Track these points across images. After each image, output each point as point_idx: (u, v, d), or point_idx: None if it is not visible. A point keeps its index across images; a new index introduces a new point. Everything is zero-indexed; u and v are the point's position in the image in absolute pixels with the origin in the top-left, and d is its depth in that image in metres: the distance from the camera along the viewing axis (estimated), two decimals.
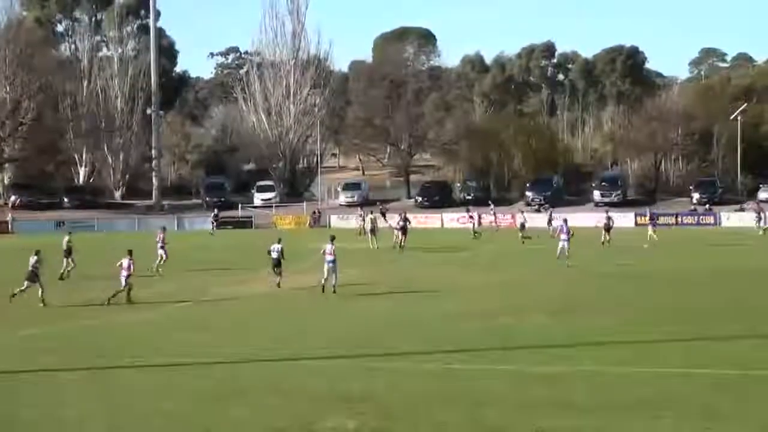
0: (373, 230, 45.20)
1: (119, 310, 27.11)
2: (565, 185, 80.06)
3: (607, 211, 50.30)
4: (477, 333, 22.17)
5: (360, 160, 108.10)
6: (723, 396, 15.66)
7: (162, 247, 36.38)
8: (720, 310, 25.34)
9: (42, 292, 27.52)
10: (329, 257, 28.79)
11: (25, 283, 27.62)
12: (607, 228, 45.71)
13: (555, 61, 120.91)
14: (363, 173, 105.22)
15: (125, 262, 28.05)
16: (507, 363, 18.60)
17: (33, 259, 27.73)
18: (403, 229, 45.23)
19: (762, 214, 52.87)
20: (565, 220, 37.66)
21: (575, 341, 20.70)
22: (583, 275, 34.03)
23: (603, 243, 44.84)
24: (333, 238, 29.47)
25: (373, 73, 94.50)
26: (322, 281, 29.09)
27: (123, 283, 27.87)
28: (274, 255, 30.88)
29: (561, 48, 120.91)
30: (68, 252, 34.99)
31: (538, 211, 68.83)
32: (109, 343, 21.58)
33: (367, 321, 24.43)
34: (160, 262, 36.25)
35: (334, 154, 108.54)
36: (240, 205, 76.37)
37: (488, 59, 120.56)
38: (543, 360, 18.81)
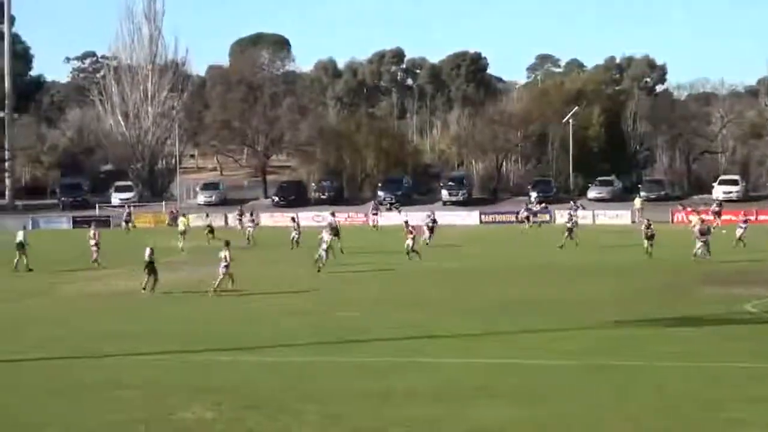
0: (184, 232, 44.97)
1: None
2: (415, 185, 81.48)
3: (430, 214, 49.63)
4: (314, 328, 22.37)
5: (218, 161, 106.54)
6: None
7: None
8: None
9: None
10: (223, 263, 28.50)
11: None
12: (430, 228, 46.08)
13: (404, 66, 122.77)
14: (221, 174, 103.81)
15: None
16: (348, 355, 18.93)
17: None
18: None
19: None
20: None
21: (404, 333, 21.24)
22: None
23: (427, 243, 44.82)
24: (227, 243, 28.97)
25: (230, 77, 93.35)
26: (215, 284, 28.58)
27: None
28: (146, 257, 29.74)
29: (410, 54, 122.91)
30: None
31: (389, 210, 69.73)
32: None
33: (217, 318, 24.36)
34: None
35: (192, 156, 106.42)
36: (98, 205, 74.08)
37: (341, 64, 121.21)
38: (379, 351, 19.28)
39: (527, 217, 57.09)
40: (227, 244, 29.07)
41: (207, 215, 51.63)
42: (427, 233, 45.57)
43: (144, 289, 28.74)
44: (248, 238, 47.23)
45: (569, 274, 33.79)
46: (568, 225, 45.13)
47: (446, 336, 21.19)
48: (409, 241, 37.89)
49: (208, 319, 24.42)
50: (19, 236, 36.15)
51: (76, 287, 31.54)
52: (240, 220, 54.99)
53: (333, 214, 52.59)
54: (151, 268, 28.84)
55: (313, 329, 22.36)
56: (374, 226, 56.71)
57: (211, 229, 48.04)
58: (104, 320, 24.67)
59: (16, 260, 35.79)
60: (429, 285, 31.23)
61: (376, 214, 58.29)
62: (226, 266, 28.41)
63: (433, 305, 26.21)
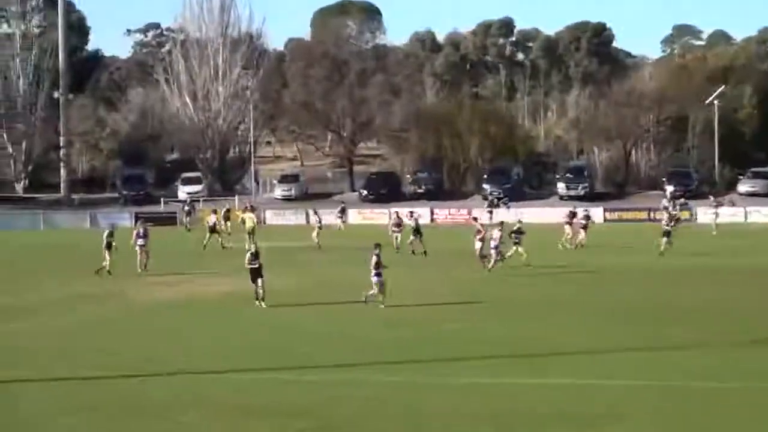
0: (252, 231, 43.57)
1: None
2: (527, 177, 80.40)
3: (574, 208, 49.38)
4: (416, 342, 22.16)
5: (298, 149, 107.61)
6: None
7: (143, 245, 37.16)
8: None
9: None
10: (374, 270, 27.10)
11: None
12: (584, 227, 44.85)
13: (514, 39, 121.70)
14: (301, 164, 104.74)
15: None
16: (459, 375, 18.53)
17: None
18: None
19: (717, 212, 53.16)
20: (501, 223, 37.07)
21: (528, 350, 20.72)
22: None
23: (577, 245, 43.85)
24: (378, 246, 27.47)
25: (312, 51, 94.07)
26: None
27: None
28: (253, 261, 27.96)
29: (520, 25, 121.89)
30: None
31: (496, 205, 68.97)
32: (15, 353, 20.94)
33: (296, 332, 24.15)
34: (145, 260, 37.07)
35: (269, 143, 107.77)
36: (162, 200, 75.52)
37: (440, 37, 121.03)
38: (496, 371, 18.93)
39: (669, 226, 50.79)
40: (378, 246, 27.34)
41: (248, 207, 49.95)
42: (582, 234, 44.44)
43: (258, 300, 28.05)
44: (318, 244, 46.02)
45: (715, 277, 32.84)
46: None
47: (573, 353, 20.54)
48: (478, 244, 35.10)
49: (303, 330, 24.25)
50: (107, 235, 36.41)
51: (149, 292, 31.80)
52: (340, 217, 55.82)
53: (411, 214, 53.02)
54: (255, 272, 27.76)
55: (413, 342, 22.05)
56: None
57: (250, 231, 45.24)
58: (200, 331, 24.66)
59: (105, 264, 35.89)
60: (544, 291, 30.52)
61: (490, 211, 56.48)
62: (378, 274, 26.93)
63: (553, 314, 25.71)
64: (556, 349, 21.03)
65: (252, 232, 43.48)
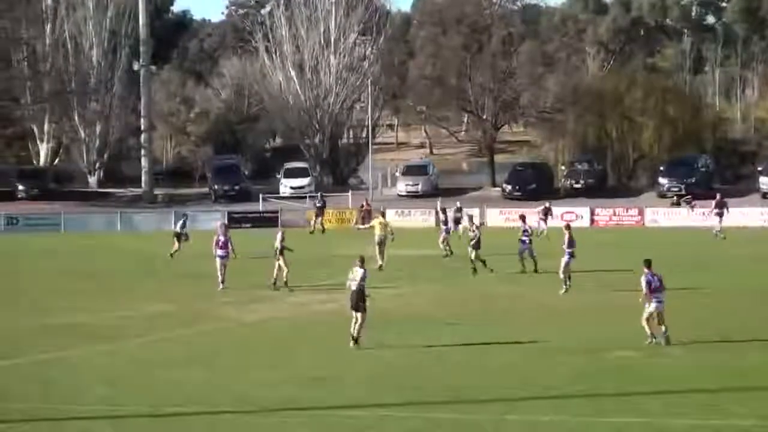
0: (381, 242, 42.66)
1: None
2: (718, 169, 78.92)
3: None
4: (587, 372, 22.51)
5: (427, 134, 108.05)
6: None
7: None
8: None
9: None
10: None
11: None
12: None
13: None
14: (431, 152, 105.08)
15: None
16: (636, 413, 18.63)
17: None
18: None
19: None
20: (568, 226, 36.58)
21: (720, 384, 20.70)
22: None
23: None
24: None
25: (446, 14, 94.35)
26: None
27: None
28: (353, 286, 25.82)
29: None
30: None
31: (677, 204, 68.08)
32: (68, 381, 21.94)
33: (435, 361, 24.56)
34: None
35: (390, 126, 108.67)
36: (262, 196, 76.93)
37: None
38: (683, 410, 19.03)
39: None
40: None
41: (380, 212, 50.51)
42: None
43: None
44: (447, 250, 46.84)
45: None
46: None
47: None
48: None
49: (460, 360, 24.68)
50: (278, 240, 37.00)
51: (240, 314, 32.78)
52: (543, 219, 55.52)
53: (460, 210, 53.96)
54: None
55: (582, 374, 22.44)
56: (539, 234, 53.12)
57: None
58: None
59: (283, 272, 36.55)
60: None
61: (544, 218, 55.14)
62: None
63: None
64: None
65: (381, 244, 42.47)
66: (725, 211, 55.71)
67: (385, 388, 21.22)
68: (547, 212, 56.28)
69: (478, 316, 30.74)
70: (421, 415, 19.20)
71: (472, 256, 39.54)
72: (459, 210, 54.74)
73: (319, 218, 65.28)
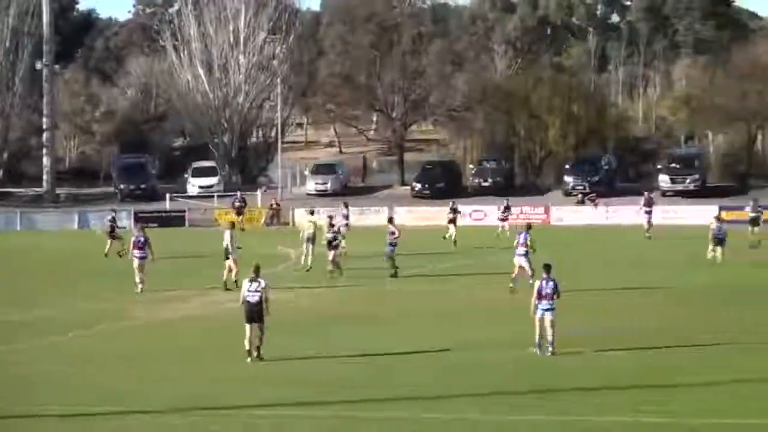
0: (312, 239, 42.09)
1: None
2: (620, 167, 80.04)
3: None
4: (504, 370, 22.69)
5: (336, 132, 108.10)
6: None
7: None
8: None
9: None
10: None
11: None
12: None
13: None
14: (340, 151, 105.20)
15: None
16: (553, 411, 18.93)
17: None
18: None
19: None
20: (529, 226, 36.66)
21: (633, 382, 21.08)
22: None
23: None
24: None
25: (355, 12, 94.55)
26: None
27: None
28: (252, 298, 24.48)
29: None
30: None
31: (582, 202, 69.00)
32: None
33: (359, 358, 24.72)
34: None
35: (300, 125, 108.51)
36: (168, 196, 76.39)
37: None
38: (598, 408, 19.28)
39: None
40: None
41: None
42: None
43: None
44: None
45: None
46: None
47: (703, 383, 20.98)
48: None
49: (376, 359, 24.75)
50: (226, 240, 36.68)
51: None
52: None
53: (346, 206, 54.11)
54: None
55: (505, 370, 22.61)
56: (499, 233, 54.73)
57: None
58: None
59: (233, 272, 36.08)
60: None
61: (505, 218, 56.52)
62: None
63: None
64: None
65: (312, 240, 41.77)
66: (653, 209, 56.16)
67: (298, 387, 21.26)
68: (507, 210, 56.42)
69: (393, 315, 30.88)
70: (338, 413, 19.30)
71: (329, 256, 39.26)
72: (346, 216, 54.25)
73: (241, 217, 64.94)
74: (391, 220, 41.35)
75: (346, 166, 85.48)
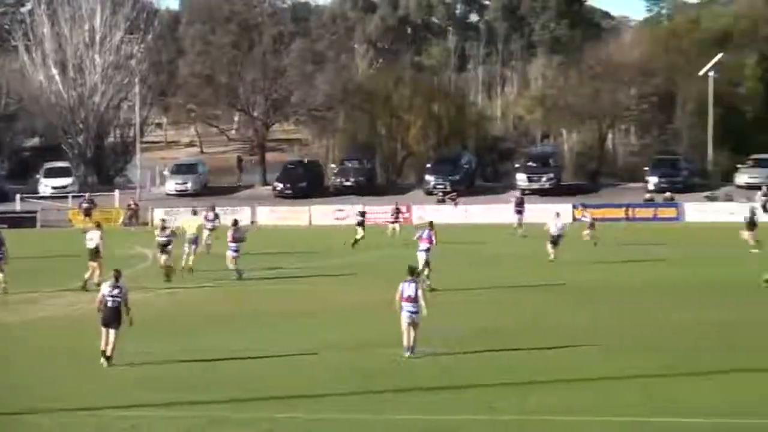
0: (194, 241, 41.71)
1: None
2: (480, 166, 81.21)
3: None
4: (364, 370, 22.77)
5: (197, 132, 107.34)
6: None
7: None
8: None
9: None
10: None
11: None
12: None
13: None
14: (202, 151, 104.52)
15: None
16: (411, 410, 19.09)
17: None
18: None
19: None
20: (431, 223, 37.18)
21: (488, 381, 21.42)
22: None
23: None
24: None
25: (215, 12, 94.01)
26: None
27: None
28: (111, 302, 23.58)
29: None
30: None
31: (442, 201, 69.71)
32: None
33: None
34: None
35: (159, 125, 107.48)
36: (19, 196, 74.99)
37: None
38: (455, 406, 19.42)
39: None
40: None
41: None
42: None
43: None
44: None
45: (706, 293, 33.62)
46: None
47: (553, 380, 21.30)
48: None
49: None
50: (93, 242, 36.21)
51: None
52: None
53: (213, 208, 51.08)
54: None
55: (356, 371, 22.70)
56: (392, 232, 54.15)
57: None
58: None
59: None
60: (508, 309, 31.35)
61: (396, 220, 55.05)
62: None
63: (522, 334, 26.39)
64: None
65: (194, 242, 41.31)
66: (524, 208, 56.81)
67: (158, 389, 21.01)
68: (398, 212, 55.87)
69: (254, 315, 30.71)
70: (198, 414, 19.11)
71: (161, 260, 38.67)
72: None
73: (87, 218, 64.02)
74: (235, 223, 41.08)
75: (206, 166, 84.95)
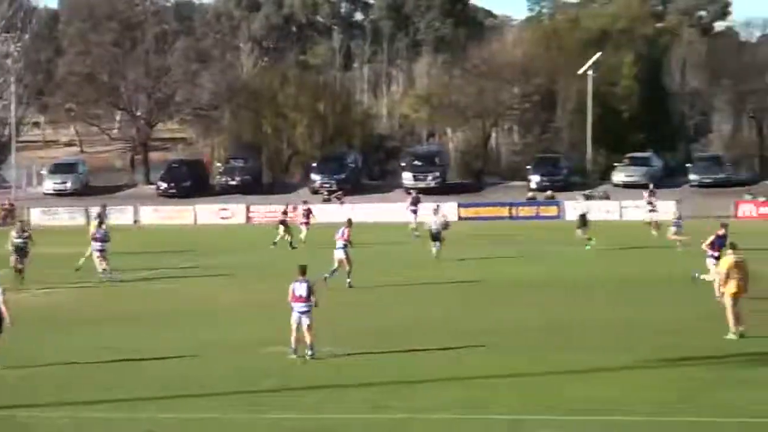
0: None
1: None
2: (366, 165, 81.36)
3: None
4: (243, 368, 22.69)
5: (77, 132, 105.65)
6: None
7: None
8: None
9: None
10: None
11: None
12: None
13: None
14: (81, 150, 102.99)
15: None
16: (293, 409, 18.99)
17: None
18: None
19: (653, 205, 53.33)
20: (350, 221, 37.30)
21: (378, 380, 21.45)
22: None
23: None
24: None
25: (96, 10, 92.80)
26: None
27: None
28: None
29: None
30: None
31: (328, 200, 69.72)
32: None
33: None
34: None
35: (36, 124, 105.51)
36: None
37: None
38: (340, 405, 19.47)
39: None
40: None
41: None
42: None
43: None
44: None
45: (591, 290, 34.05)
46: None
47: (438, 379, 21.38)
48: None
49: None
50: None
51: None
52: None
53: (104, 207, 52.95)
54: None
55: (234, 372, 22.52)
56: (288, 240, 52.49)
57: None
58: None
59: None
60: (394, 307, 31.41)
61: (307, 222, 52.65)
62: None
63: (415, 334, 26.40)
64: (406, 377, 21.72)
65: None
66: (419, 207, 56.60)
67: (33, 389, 20.75)
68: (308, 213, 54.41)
69: (134, 315, 30.40)
70: (69, 414, 18.88)
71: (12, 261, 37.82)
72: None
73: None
74: (99, 221, 40.58)
75: (87, 165, 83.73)
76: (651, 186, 60.35)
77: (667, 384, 20.41)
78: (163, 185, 76.20)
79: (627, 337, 25.23)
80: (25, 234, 38.43)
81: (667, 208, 50.22)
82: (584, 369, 21.81)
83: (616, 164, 74.77)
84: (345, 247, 35.21)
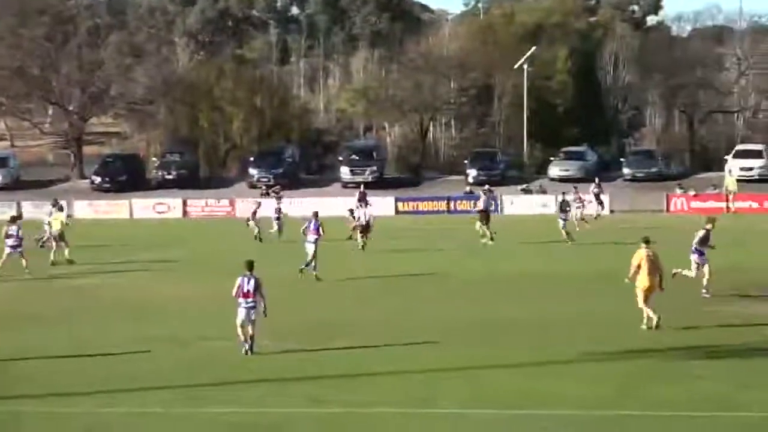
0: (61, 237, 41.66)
1: None
2: (303, 160, 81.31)
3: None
4: (183, 362, 22.54)
5: (7, 126, 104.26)
6: None
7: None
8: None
9: None
10: None
11: None
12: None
13: None
14: (12, 144, 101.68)
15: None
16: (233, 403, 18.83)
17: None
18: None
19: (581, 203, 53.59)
20: (316, 214, 37.00)
21: (316, 374, 21.35)
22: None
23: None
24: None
25: (26, 4, 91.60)
26: None
27: None
28: None
29: None
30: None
31: (266, 195, 69.52)
32: None
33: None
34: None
35: None
36: None
37: None
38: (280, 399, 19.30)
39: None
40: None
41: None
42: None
43: None
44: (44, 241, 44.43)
45: (530, 285, 34.04)
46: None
47: (379, 373, 21.35)
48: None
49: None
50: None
51: None
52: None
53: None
54: None
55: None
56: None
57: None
58: None
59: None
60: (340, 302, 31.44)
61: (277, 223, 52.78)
62: None
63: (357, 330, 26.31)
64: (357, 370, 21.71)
65: (62, 239, 41.36)
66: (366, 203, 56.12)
67: None
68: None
69: (65, 312, 30.09)
70: (11, 409, 18.77)
71: None
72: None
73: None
74: (13, 219, 40.29)
75: (18, 160, 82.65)
76: (597, 180, 61.03)
77: (607, 377, 20.62)
78: (98, 180, 75.59)
79: (566, 332, 25.33)
80: None
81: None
82: (524, 363, 21.95)
83: (552, 158, 75.26)
84: (316, 241, 35.19)
